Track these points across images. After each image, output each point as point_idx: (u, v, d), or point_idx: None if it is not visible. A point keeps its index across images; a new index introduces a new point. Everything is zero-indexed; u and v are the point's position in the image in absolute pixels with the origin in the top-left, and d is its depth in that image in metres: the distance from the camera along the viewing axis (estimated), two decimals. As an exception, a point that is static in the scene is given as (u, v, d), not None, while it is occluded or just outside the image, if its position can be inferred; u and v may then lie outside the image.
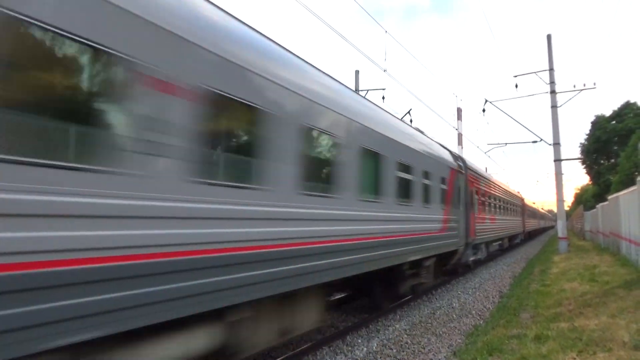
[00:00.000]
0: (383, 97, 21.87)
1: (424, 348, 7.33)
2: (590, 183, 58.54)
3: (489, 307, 10.71)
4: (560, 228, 23.02)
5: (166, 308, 3.67)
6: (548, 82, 22.93)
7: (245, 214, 4.59)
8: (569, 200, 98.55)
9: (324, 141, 6.27)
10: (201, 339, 4.37)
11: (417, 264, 10.16)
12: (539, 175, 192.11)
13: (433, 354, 7.01)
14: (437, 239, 11.12)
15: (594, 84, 23.04)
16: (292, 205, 5.38)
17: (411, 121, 18.44)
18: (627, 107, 45.52)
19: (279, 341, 5.72)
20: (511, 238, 28.99)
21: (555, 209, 25.53)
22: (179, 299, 3.78)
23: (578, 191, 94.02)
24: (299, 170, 5.52)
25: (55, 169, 2.96)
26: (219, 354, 4.70)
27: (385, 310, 9.70)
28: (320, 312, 6.58)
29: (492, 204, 20.55)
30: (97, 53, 3.25)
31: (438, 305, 10.92)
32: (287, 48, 6.06)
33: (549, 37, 23.25)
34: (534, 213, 52.14)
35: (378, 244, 7.67)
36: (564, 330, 6.80)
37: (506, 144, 34.03)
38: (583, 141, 50.60)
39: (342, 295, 10.48)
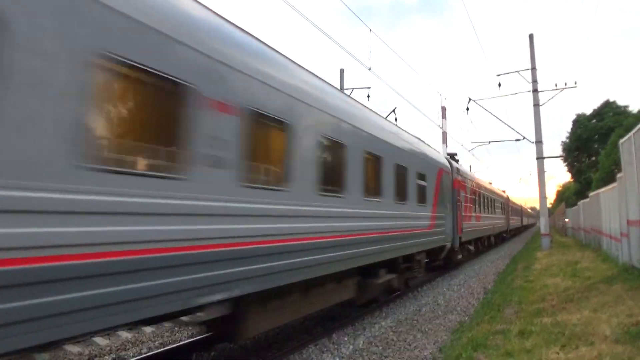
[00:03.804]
0: (368, 96, 21.79)
1: (409, 345, 7.35)
2: (571, 180, 59.57)
3: (474, 304, 10.79)
4: (543, 225, 23.34)
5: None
6: (530, 81, 23.22)
7: None
8: (551, 197, 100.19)
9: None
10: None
11: (409, 259, 10.84)
12: (522, 173, 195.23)
13: (419, 351, 7.03)
14: (426, 236, 11.65)
15: (575, 82, 23.44)
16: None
17: (396, 119, 18.53)
18: (607, 106, 46.51)
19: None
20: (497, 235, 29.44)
21: (538, 206, 25.83)
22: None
23: (560, 188, 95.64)
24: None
25: None
26: None
27: (370, 308, 9.75)
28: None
29: (479, 203, 20.92)
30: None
31: (423, 302, 10.97)
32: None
33: (531, 36, 23.54)
34: (518, 211, 52.87)
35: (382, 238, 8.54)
36: (547, 325, 6.86)
37: (490, 142, 34.42)
38: (565, 139, 51.57)
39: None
